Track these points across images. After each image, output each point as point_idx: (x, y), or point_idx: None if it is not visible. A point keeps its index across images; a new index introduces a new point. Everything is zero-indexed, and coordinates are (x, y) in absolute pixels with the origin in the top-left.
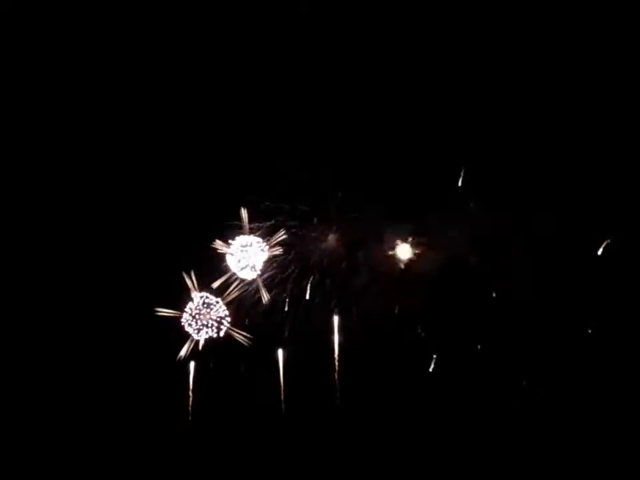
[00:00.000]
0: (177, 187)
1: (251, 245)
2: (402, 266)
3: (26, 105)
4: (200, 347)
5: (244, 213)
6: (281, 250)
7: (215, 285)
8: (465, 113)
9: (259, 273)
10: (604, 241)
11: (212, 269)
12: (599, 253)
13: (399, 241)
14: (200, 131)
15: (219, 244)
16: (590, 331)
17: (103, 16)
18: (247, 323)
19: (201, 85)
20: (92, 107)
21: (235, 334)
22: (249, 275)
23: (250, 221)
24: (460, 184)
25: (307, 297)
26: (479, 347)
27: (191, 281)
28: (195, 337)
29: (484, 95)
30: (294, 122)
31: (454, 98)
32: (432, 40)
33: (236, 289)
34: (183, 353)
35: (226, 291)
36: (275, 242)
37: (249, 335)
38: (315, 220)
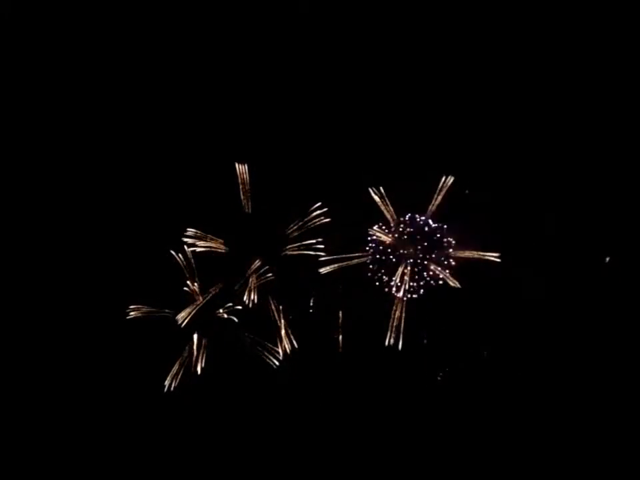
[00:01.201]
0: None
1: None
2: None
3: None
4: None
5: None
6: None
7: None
8: (475, 121)
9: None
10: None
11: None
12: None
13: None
14: (203, 133)
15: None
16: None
17: (102, 16)
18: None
19: (202, 82)
20: (92, 108)
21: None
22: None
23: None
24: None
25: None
26: (485, 353)
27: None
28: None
29: (494, 104)
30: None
31: (462, 105)
32: (433, 41)
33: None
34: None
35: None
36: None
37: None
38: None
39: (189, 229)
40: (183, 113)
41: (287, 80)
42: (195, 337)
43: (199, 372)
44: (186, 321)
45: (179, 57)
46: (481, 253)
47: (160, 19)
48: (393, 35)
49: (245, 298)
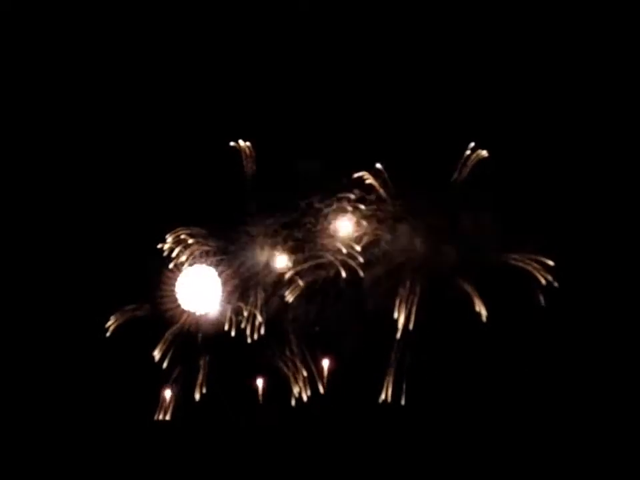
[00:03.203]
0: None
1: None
2: None
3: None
4: None
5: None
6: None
7: None
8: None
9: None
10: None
11: None
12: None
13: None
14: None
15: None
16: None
17: (102, 16)
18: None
19: (202, 80)
20: (93, 109)
21: None
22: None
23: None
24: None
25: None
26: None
27: None
28: None
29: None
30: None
31: (464, 107)
32: (433, 40)
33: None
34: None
35: None
36: None
37: None
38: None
39: (169, 234)
40: (182, 110)
41: (286, 78)
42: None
43: (197, 398)
44: (166, 360)
45: (178, 53)
46: (537, 258)
47: (160, 14)
48: (392, 33)
49: (244, 323)
